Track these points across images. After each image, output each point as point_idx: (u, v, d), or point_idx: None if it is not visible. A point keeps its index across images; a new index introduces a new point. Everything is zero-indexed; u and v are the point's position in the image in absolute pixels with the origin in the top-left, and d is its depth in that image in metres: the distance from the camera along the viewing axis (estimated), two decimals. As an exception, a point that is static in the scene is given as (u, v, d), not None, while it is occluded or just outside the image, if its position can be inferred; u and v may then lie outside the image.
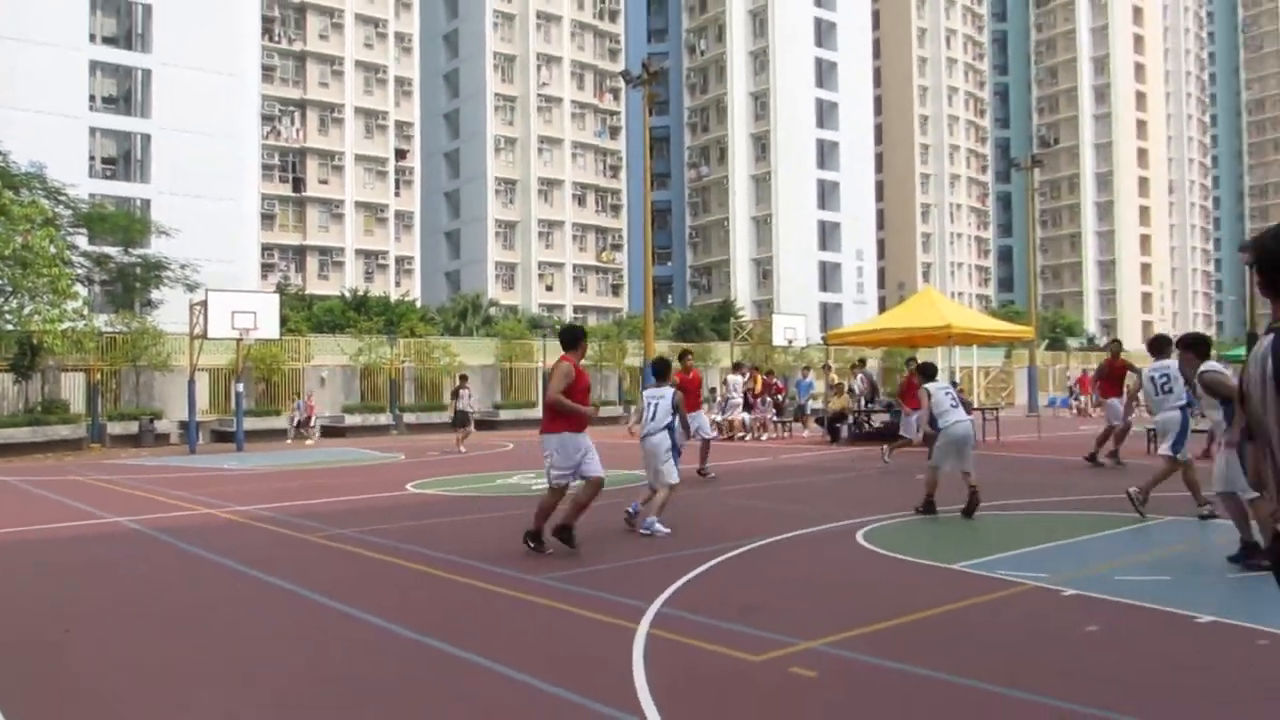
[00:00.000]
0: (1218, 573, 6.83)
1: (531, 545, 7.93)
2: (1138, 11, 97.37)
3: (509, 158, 66.53)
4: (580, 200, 68.51)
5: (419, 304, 51.19)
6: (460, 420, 21.57)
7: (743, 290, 68.44)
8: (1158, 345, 10.36)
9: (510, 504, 11.56)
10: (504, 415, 32.36)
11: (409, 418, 30.77)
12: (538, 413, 31.02)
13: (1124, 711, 3.99)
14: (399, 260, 60.23)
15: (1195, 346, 7.73)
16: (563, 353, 8.08)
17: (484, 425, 31.92)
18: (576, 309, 66.79)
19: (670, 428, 9.18)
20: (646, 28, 76.22)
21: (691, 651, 5.05)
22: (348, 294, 44.91)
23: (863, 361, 26.90)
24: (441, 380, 32.77)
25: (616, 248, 70.42)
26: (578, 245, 68.22)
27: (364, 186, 57.83)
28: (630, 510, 9.44)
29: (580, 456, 7.97)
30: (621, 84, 50.07)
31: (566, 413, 7.87)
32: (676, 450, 9.30)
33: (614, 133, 71.06)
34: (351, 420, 29.54)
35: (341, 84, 57.04)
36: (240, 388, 24.95)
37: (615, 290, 70.66)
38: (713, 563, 7.42)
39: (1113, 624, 5.45)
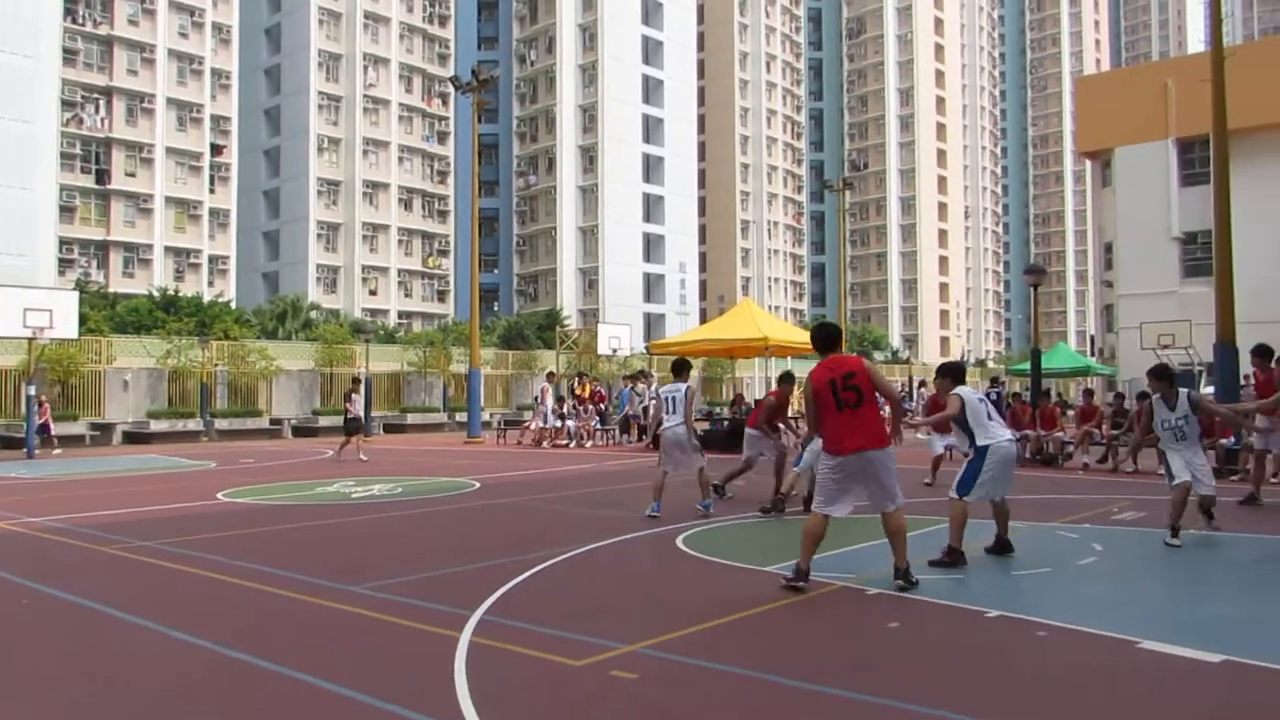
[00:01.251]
0: (1003, 571, 7.50)
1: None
2: (939, 49, 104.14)
3: (333, 158, 64.64)
4: (406, 204, 67.29)
5: (234, 305, 49.04)
6: (352, 427, 20.18)
7: (569, 299, 68.85)
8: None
9: (328, 513, 11.31)
10: (324, 421, 31.49)
11: (221, 424, 29.53)
12: (360, 420, 30.35)
13: (921, 702, 4.34)
14: (213, 259, 57.39)
15: (952, 373, 8.17)
16: (837, 353, 6.90)
17: (303, 432, 31.05)
18: (401, 314, 65.54)
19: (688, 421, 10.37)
20: (477, 35, 75.63)
21: (514, 658, 5.08)
22: (156, 293, 42.55)
23: (642, 372, 27.58)
24: (257, 385, 31.61)
25: (443, 253, 69.51)
26: (403, 250, 66.94)
27: (176, 181, 54.81)
28: (651, 513, 10.31)
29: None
30: (451, 89, 49.58)
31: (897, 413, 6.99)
32: (697, 437, 10.47)
33: (442, 138, 70.13)
34: (157, 426, 28.08)
35: (153, 73, 53.87)
36: (32, 390, 23.32)
37: (441, 296, 69.71)
38: (536, 569, 7.48)
39: (912, 620, 5.87)
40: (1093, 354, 50.31)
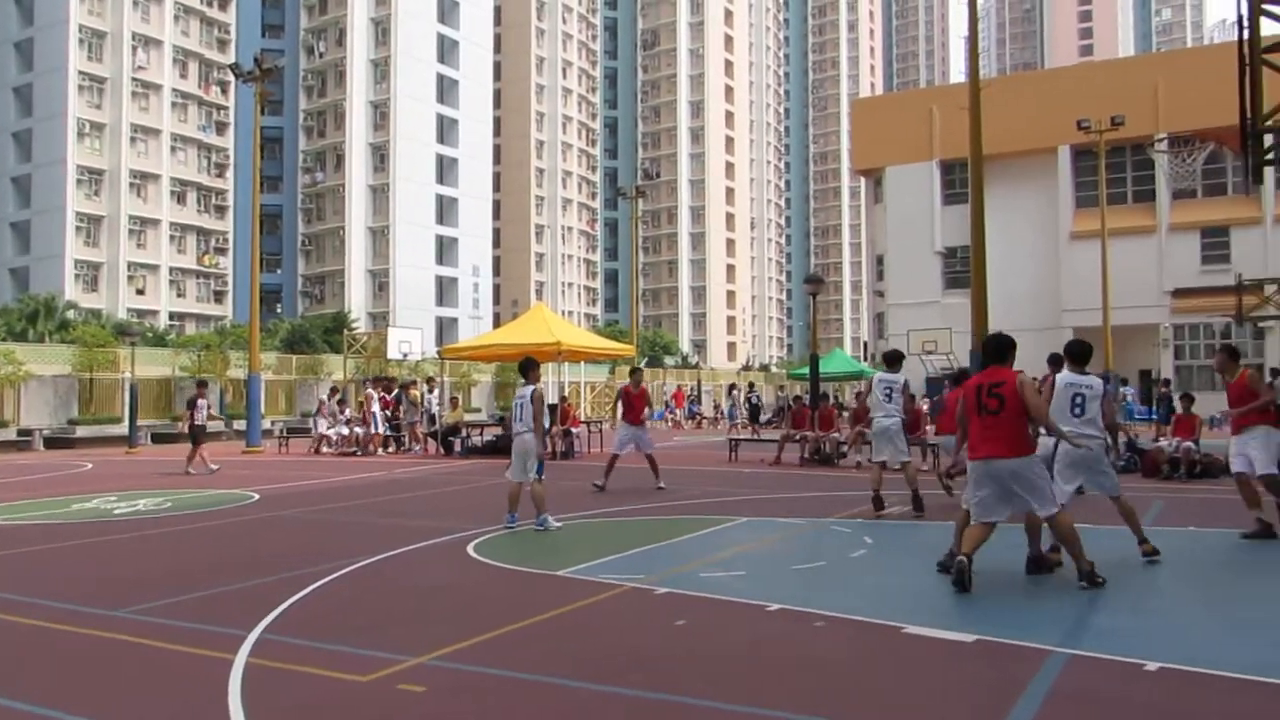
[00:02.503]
0: (784, 566, 7.89)
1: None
2: (729, 65, 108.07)
3: (95, 144, 59.75)
4: (180, 198, 63.15)
5: (-25, 303, 44.59)
6: (197, 435, 18.31)
7: (358, 302, 66.77)
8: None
9: (87, 531, 10.37)
10: (81, 432, 29.11)
11: (-39, 434, 26.77)
12: (122, 429, 28.19)
13: (704, 695, 4.51)
14: (-50, 252, 52.00)
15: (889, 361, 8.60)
16: (999, 365, 6.92)
17: (58, 444, 28.56)
18: (173, 316, 61.47)
19: (543, 429, 9.88)
20: (261, 21, 72.10)
21: (295, 678, 4.89)
22: (-121, 289, 38.12)
23: (396, 380, 27.08)
24: (2, 392, 28.82)
25: (220, 251, 65.81)
26: (176, 246, 62.76)
27: (-95, 164, 49.34)
28: (509, 521, 9.85)
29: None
30: (231, 77, 46.99)
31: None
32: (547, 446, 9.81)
33: (221, 128, 66.44)
34: (-117, 438, 25.16)
35: (-124, 40, 48.31)
36: None
37: (218, 297, 65.98)
38: (321, 583, 7.24)
39: (699, 617, 6.08)
40: (866, 359, 53.42)
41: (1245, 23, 8.33)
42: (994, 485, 6.69)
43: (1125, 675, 4.76)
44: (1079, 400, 7.82)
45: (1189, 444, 14.76)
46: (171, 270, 62.48)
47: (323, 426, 24.23)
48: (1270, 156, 8.93)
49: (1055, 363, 9.23)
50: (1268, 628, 5.81)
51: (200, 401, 18.82)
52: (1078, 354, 8.16)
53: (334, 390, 26.57)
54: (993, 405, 6.66)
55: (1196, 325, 38.64)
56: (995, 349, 7.02)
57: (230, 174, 66.64)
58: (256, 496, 13.71)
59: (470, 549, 8.79)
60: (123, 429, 28.40)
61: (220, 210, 66.34)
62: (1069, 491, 7.63)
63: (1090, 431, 7.75)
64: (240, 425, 29.90)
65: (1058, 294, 40.42)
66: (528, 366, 10.32)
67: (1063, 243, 41.07)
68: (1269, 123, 8.45)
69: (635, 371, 15.50)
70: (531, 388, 9.99)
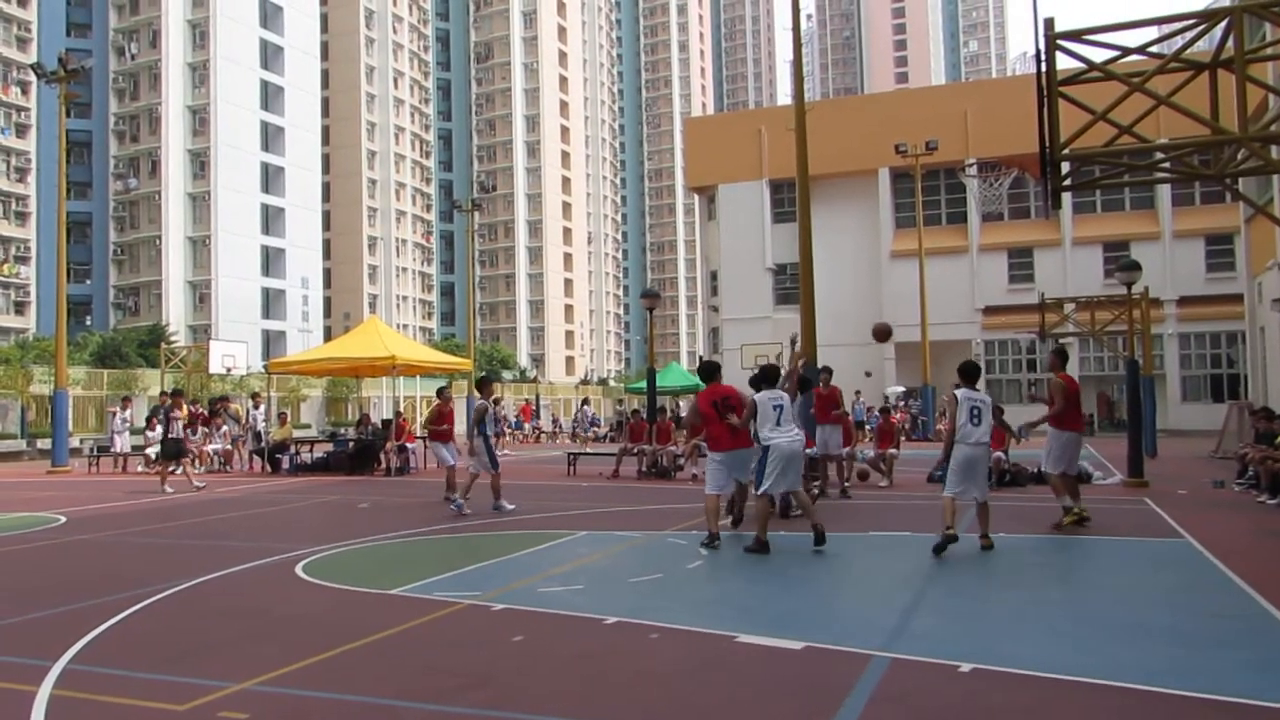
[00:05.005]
0: (622, 579, 7.93)
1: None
2: (564, 80, 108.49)
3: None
4: (-27, 203, 58.69)
5: None
6: (172, 451, 16.34)
7: (176, 314, 63.48)
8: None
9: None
10: None
11: None
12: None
13: (537, 710, 4.50)
14: None
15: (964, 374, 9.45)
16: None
17: None
18: (-36, 328, 56.89)
19: (483, 432, 12.23)
20: (66, 20, 67.64)
21: (107, 710, 4.64)
22: None
23: (173, 394, 25.52)
24: None
25: (22, 260, 61.43)
26: (-31, 255, 58.25)
27: None
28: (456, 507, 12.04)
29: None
30: (33, 77, 43.91)
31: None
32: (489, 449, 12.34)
33: (21, 131, 62.00)
34: None
35: None
36: None
37: (20, 308, 61.61)
38: (135, 608, 6.85)
39: (536, 632, 6.04)
40: (701, 373, 54.35)
41: (1043, 57, 8.97)
42: (735, 468, 9.73)
43: (942, 676, 5.00)
44: (976, 412, 9.02)
45: (999, 454, 15.65)
46: (-36, 280, 57.89)
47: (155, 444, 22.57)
48: (1067, 183, 9.62)
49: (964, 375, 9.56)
50: (1052, 623, 6.24)
51: (176, 413, 16.68)
52: (971, 373, 9.40)
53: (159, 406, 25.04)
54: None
55: (1005, 341, 41.14)
56: (709, 371, 10.06)
57: (32, 179, 62.39)
58: (63, 519, 12.76)
59: (299, 569, 8.47)
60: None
61: (21, 217, 62.03)
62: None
63: (984, 439, 9.03)
64: (45, 444, 27.93)
65: (880, 310, 42.27)
66: (482, 383, 12.97)
67: (884, 261, 43.03)
68: (1065, 151, 9.10)
69: (441, 390, 14.72)
70: (484, 403, 12.40)
